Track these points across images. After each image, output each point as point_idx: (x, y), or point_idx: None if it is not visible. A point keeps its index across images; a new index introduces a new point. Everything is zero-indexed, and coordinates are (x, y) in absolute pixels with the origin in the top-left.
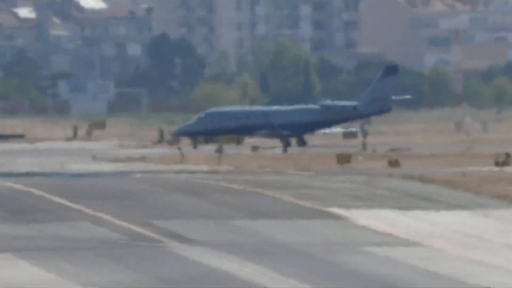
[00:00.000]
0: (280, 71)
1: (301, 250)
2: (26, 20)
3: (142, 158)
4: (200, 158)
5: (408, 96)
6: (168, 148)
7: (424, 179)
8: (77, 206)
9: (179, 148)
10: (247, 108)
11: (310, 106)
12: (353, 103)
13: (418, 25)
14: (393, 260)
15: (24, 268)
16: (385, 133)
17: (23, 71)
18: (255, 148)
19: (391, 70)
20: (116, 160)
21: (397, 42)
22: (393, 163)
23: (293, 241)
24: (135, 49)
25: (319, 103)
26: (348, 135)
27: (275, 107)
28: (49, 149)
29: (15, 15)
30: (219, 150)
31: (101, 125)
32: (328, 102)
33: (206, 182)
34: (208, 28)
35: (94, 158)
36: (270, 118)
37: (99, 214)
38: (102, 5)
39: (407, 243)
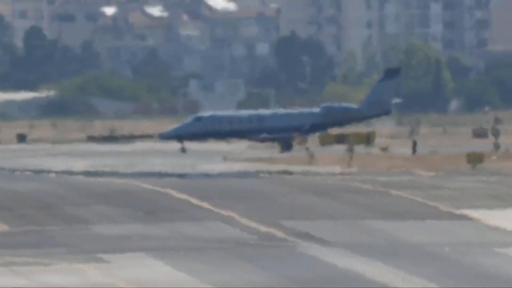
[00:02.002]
0: (410, 70)
1: (432, 251)
2: (157, 19)
3: (272, 159)
4: (330, 158)
5: (400, 100)
6: (297, 149)
7: None
8: (208, 206)
9: (307, 149)
10: (242, 112)
11: (311, 109)
12: (355, 105)
13: None
14: None
15: (157, 267)
16: None
17: (153, 72)
18: (384, 149)
19: (393, 73)
20: (247, 160)
21: None
22: None
23: (424, 242)
24: (263, 49)
25: (321, 105)
26: (478, 135)
27: (273, 111)
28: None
29: (146, 14)
30: (350, 151)
31: None
32: (330, 104)
33: (336, 183)
34: (337, 27)
35: (225, 158)
36: (265, 122)
37: (230, 214)
38: (231, 6)
39: None
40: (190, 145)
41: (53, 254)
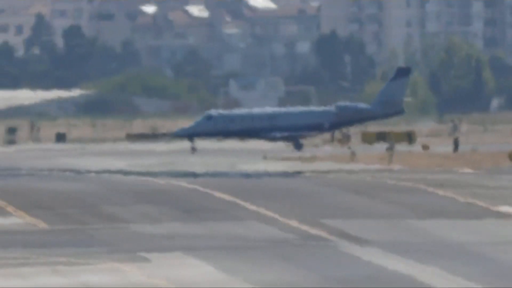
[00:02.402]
0: (451, 69)
1: (474, 250)
2: (198, 18)
3: (313, 158)
4: (371, 157)
5: (410, 99)
6: (338, 147)
7: None
8: (248, 206)
9: (349, 147)
10: (256, 110)
11: (324, 108)
12: (367, 105)
13: None
14: None
15: (197, 266)
16: None
17: (194, 71)
18: (425, 147)
19: (403, 72)
20: (287, 159)
21: None
22: None
23: (466, 240)
24: (304, 47)
25: (334, 104)
26: None
27: (285, 109)
28: (221, 149)
29: (187, 13)
30: (390, 149)
31: None
32: (344, 103)
33: (377, 181)
34: (378, 26)
35: (265, 157)
36: (276, 121)
37: (270, 214)
38: (272, 4)
39: None
40: (230, 144)
41: (93, 253)
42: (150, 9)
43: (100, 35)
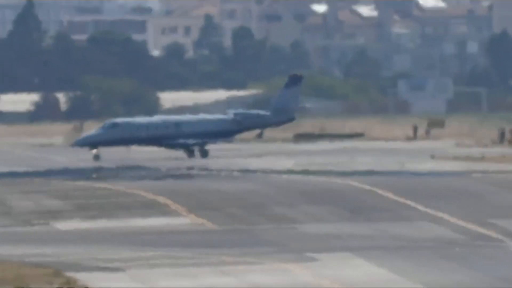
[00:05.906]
0: None
1: None
2: (367, 18)
3: (482, 158)
4: None
5: (308, 105)
6: (509, 148)
7: None
8: (416, 205)
9: None
10: (158, 117)
11: (223, 115)
12: (265, 112)
13: None
14: None
15: (364, 267)
16: None
17: (363, 71)
18: None
19: (295, 80)
20: (455, 159)
21: None
22: None
23: None
24: (474, 48)
25: (231, 111)
26: None
27: (187, 117)
28: (389, 148)
29: (357, 13)
30: None
31: (440, 124)
32: (241, 111)
33: None
34: None
35: (433, 157)
36: (180, 128)
37: (439, 214)
38: (441, 4)
39: None
40: (391, 144)
41: (260, 253)
42: (320, 9)
43: (269, 36)
